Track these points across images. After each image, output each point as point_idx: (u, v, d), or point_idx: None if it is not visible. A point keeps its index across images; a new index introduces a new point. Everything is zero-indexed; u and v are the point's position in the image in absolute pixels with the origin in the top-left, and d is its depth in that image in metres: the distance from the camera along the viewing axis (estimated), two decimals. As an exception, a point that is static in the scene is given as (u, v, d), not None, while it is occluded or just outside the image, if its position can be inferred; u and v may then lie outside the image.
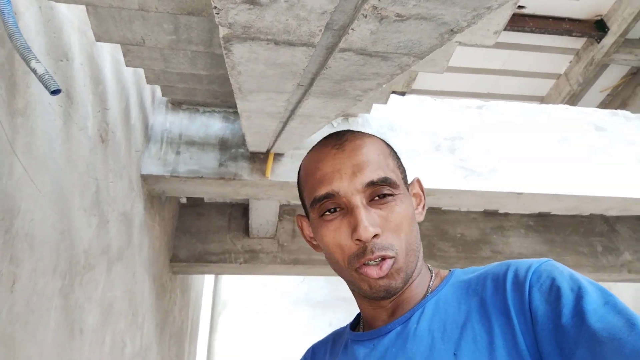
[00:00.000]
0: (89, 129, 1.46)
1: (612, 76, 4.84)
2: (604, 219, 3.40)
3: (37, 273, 1.14)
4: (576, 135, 2.47)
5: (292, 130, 1.09)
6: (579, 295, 0.54)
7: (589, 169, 2.37)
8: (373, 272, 0.63)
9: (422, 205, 0.75)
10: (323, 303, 5.55)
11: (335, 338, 0.81)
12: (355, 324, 0.80)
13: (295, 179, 2.16)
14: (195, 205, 3.19)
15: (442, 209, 3.43)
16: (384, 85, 0.62)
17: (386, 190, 0.67)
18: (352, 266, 0.65)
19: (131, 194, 2.01)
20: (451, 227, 3.43)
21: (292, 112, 0.81)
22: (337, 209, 0.67)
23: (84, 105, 1.41)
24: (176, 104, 2.31)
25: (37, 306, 1.15)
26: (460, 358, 0.57)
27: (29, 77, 1.05)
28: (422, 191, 0.76)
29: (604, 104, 5.10)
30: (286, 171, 2.14)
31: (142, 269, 2.31)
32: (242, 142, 2.19)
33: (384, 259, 0.64)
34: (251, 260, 2.95)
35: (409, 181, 0.76)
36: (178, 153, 2.21)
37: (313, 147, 0.73)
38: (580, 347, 0.50)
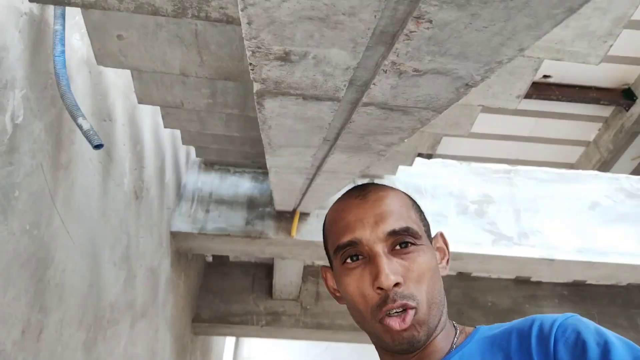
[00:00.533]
0: (125, 185, 1.53)
1: (643, 144, 4.78)
2: (644, 290, 3.23)
3: (63, 324, 1.16)
4: (608, 202, 2.42)
5: (318, 188, 1.11)
6: (605, 349, 0.53)
7: (623, 236, 2.29)
8: (395, 324, 0.63)
9: (446, 259, 0.75)
10: (347, 373, 5.32)
11: None
12: None
13: (321, 239, 2.17)
14: (220, 264, 3.20)
15: (472, 275, 3.34)
16: (406, 141, 0.65)
17: (408, 239, 0.67)
18: (375, 318, 0.65)
19: (159, 250, 2.05)
20: (481, 295, 3.32)
21: (318, 168, 0.84)
22: (360, 257, 0.68)
23: (122, 163, 1.49)
24: (209, 165, 2.40)
25: (61, 358, 1.16)
26: None
27: (74, 135, 1.13)
28: (447, 245, 0.76)
29: (636, 173, 5.00)
30: (311, 230, 2.15)
31: (165, 327, 2.30)
32: (269, 202, 2.23)
33: (405, 309, 0.63)
34: (273, 322, 2.89)
35: (433, 235, 0.77)
36: (207, 211, 2.26)
37: (338, 199, 0.75)
38: None
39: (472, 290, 3.33)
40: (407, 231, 0.67)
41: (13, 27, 0.87)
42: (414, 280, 0.65)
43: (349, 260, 0.68)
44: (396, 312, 0.63)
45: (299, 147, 0.67)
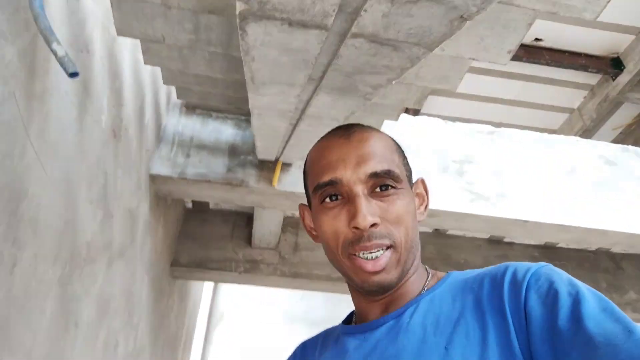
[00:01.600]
0: (102, 122, 1.48)
1: (626, 114, 4.84)
2: (610, 255, 3.36)
3: (38, 259, 1.15)
4: (586, 168, 2.46)
5: (301, 135, 1.09)
6: (576, 299, 0.54)
7: (597, 202, 2.35)
8: (368, 266, 0.63)
9: (424, 205, 0.75)
10: (321, 322, 5.48)
11: (326, 334, 0.81)
12: (348, 320, 0.80)
13: (302, 190, 2.17)
14: (200, 211, 3.20)
15: (447, 232, 3.41)
16: (393, 82, 0.63)
17: (389, 182, 0.67)
18: (345, 252, 0.65)
19: (138, 192, 2.02)
20: (455, 252, 3.40)
21: (302, 111, 0.82)
22: (339, 197, 0.67)
23: (99, 98, 1.44)
24: (190, 108, 2.35)
25: (35, 292, 1.15)
26: (451, 352, 0.57)
27: (49, 64, 1.08)
28: (426, 191, 0.77)
29: (616, 142, 5.08)
30: (293, 181, 2.15)
31: (142, 269, 2.31)
32: (252, 150, 2.21)
33: (380, 248, 0.63)
34: (252, 270, 2.94)
35: (414, 181, 0.77)
36: (188, 156, 2.23)
37: (322, 137, 0.74)
38: (574, 351, 0.50)
39: (446, 248, 3.41)
40: (388, 174, 0.67)
41: (-20, -61, 0.81)
42: (391, 221, 0.65)
43: (327, 200, 0.68)
44: (370, 253, 0.64)
45: (283, 85, 0.65)
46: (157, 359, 3.00)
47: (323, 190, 0.68)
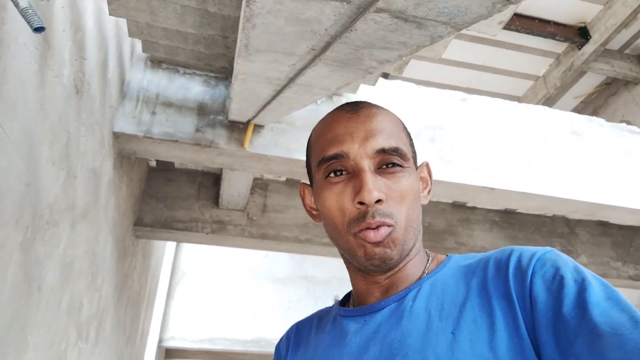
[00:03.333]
0: (64, 77, 1.38)
1: (588, 84, 4.97)
2: (566, 221, 3.51)
3: (-2, 224, 1.08)
4: (552, 138, 2.52)
5: (284, 101, 1.05)
6: (582, 286, 0.53)
7: (561, 171, 2.42)
8: (371, 234, 0.62)
9: (427, 189, 0.74)
10: (284, 279, 5.56)
11: (321, 315, 0.79)
12: (344, 302, 0.78)
13: (273, 153, 2.12)
14: (165, 169, 3.10)
15: (413, 197, 3.46)
16: (403, 59, 0.59)
17: (396, 159, 0.65)
18: (350, 230, 0.64)
19: (101, 151, 1.93)
20: (420, 216, 3.47)
21: (292, 79, 0.77)
22: (344, 173, 0.65)
23: (61, 51, 1.33)
24: (156, 62, 2.22)
25: (-4, 259, 1.09)
26: (458, 337, 0.56)
27: (5, 13, 0.97)
28: (430, 176, 0.75)
29: (577, 111, 5.24)
30: (265, 144, 2.10)
31: (106, 229, 2.24)
32: (222, 109, 2.13)
33: (383, 227, 0.62)
34: (218, 231, 2.90)
35: (419, 164, 0.75)
36: (154, 113, 2.12)
37: (328, 113, 0.71)
38: (579, 338, 0.50)
39: (412, 211, 3.47)
40: (396, 151, 0.65)
41: None
42: (395, 200, 0.64)
43: (332, 175, 0.66)
44: (373, 230, 0.62)
45: (280, 54, 0.60)
46: (120, 317, 2.97)
47: (328, 164, 0.66)
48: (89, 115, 1.69)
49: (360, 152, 0.64)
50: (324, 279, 5.27)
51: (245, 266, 5.72)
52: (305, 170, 0.76)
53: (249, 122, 1.98)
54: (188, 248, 5.98)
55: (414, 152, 0.72)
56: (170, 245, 5.61)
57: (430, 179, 0.75)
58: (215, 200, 2.96)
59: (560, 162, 2.44)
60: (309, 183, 0.76)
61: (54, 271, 1.53)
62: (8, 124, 1.05)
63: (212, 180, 3.06)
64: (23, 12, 0.67)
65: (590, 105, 5.16)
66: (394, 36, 0.49)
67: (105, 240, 2.25)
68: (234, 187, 2.71)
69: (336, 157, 0.65)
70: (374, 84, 1.81)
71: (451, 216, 3.52)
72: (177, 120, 2.11)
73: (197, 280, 5.76)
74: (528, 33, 4.21)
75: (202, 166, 3.04)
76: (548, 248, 0.61)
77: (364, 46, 0.52)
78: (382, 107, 0.70)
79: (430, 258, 0.72)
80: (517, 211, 3.48)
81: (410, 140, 0.73)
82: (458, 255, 0.71)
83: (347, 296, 0.79)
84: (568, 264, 0.57)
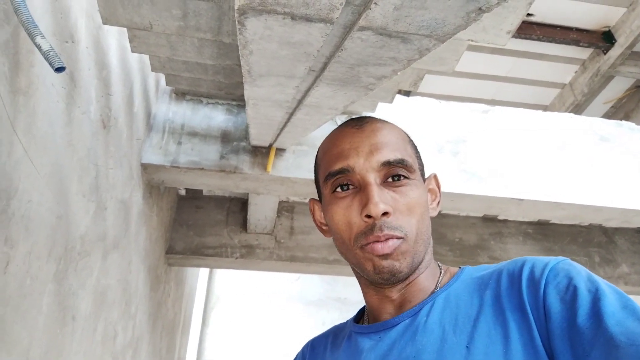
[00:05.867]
0: (91, 113, 1.45)
1: (617, 88, 4.84)
2: (603, 229, 3.39)
3: (32, 256, 1.12)
4: (580, 144, 2.46)
5: (297, 122, 1.07)
6: (596, 296, 0.52)
7: (591, 178, 2.35)
8: (378, 246, 0.62)
9: (437, 201, 0.74)
10: (317, 302, 5.53)
11: (336, 332, 0.79)
12: (359, 318, 0.78)
13: (296, 175, 2.15)
14: (194, 197, 3.17)
15: (441, 212, 3.42)
16: (398, 74, 0.61)
17: (401, 172, 0.66)
18: (357, 243, 0.64)
19: (130, 182, 1.99)
20: (449, 231, 3.42)
21: (300, 101, 0.79)
22: (350, 187, 0.66)
23: (87, 89, 1.40)
24: (180, 94, 2.30)
25: (30, 290, 1.13)
26: (473, 351, 0.56)
27: (33, 56, 1.04)
28: (439, 187, 0.75)
29: (607, 116, 5.09)
30: (287, 167, 2.12)
31: (138, 258, 2.30)
32: (245, 136, 2.18)
33: (392, 239, 0.62)
34: (247, 255, 2.93)
35: (427, 176, 0.75)
36: (179, 143, 2.19)
37: (333, 130, 0.73)
38: (595, 349, 0.49)
39: (441, 227, 3.42)
40: (401, 163, 0.65)
41: None
42: (403, 212, 0.64)
43: (339, 190, 0.67)
44: (381, 243, 0.62)
45: (281, 77, 0.62)
46: (156, 345, 3.01)
47: (335, 179, 0.67)
48: (117, 148, 1.75)
49: (365, 165, 0.65)
50: (357, 300, 5.22)
51: (278, 289, 5.72)
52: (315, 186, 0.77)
53: (270, 146, 2.02)
54: (221, 273, 6.04)
55: (421, 165, 0.72)
56: (204, 271, 5.69)
57: (439, 190, 0.75)
58: (244, 225, 3.00)
59: (590, 169, 2.37)
60: (318, 199, 0.77)
61: (87, 300, 1.57)
62: (38, 160, 1.11)
63: (239, 206, 3.11)
64: (45, 54, 0.72)
65: (622, 110, 5.02)
66: (383, 52, 0.50)
67: (137, 269, 2.30)
68: (261, 211, 2.74)
69: (342, 171, 0.66)
70: (391, 102, 1.82)
71: (482, 230, 3.45)
72: (202, 149, 2.17)
73: (232, 305, 5.80)
74: (550, 41, 4.15)
75: (229, 192, 3.10)
76: (561, 258, 0.60)
77: (358, 64, 0.54)
78: (386, 121, 0.71)
79: (442, 271, 0.71)
80: (550, 222, 3.39)
81: (417, 152, 0.73)
82: (470, 267, 0.70)
83: (361, 312, 0.79)
84: (581, 273, 0.56)
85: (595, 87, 4.50)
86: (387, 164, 0.65)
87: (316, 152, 0.75)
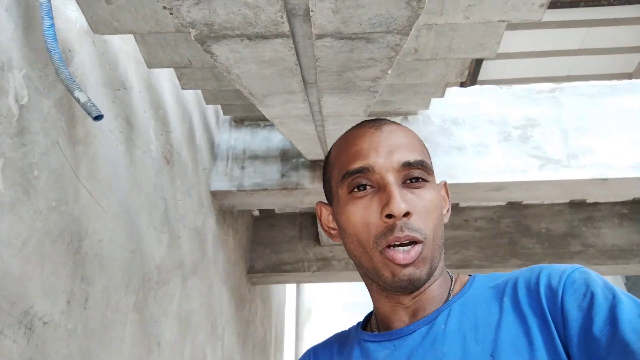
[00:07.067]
0: (152, 151, 1.55)
1: None
2: None
3: (109, 290, 1.22)
4: (668, 110, 2.22)
5: (333, 133, 1.07)
6: (613, 304, 0.51)
7: (686, 146, 2.11)
8: (399, 256, 0.60)
9: (447, 208, 0.72)
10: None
11: (340, 339, 0.77)
12: (365, 325, 0.76)
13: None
14: (267, 217, 3.27)
15: (523, 203, 3.22)
16: (389, 72, 0.59)
17: (420, 174, 0.64)
18: (377, 246, 0.61)
19: (201, 210, 2.10)
20: (534, 222, 3.21)
21: (320, 113, 0.80)
22: (368, 187, 0.64)
23: (145, 130, 1.50)
24: (239, 121, 2.40)
25: (112, 321, 1.23)
26: (498, 359, 0.54)
27: (88, 108, 1.14)
28: (448, 195, 0.73)
29: None
30: (347, 176, 2.13)
31: (219, 281, 2.40)
32: (301, 152, 2.21)
33: (413, 243, 0.60)
34: (324, 267, 2.96)
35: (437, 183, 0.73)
36: (243, 168, 2.28)
37: (347, 130, 0.71)
38: (611, 356, 0.48)
39: (524, 219, 3.23)
40: (421, 165, 0.64)
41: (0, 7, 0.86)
42: (422, 214, 0.62)
43: (356, 190, 0.65)
44: (402, 245, 0.60)
45: (284, 94, 0.63)
46: (249, 364, 3.11)
47: (353, 178, 0.65)
48: (184, 180, 1.86)
49: (385, 165, 0.63)
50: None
51: (362, 299, 5.70)
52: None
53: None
54: (309, 287, 6.14)
55: (433, 171, 0.71)
56: (291, 287, 5.81)
57: (449, 197, 0.73)
58: (316, 239, 3.04)
59: (683, 136, 2.13)
60: (325, 202, 0.75)
61: (171, 326, 1.67)
62: (105, 202, 1.20)
63: (310, 220, 3.15)
64: (83, 106, 0.79)
65: None
66: (357, 55, 0.49)
67: (219, 291, 2.41)
68: (331, 223, 2.76)
69: (361, 170, 0.64)
70: (442, 96, 1.77)
71: (571, 217, 3.21)
72: (264, 170, 2.24)
73: (324, 318, 5.87)
74: (622, 3, 3.81)
75: (299, 208, 3.16)
76: (577, 265, 0.59)
77: (342, 70, 0.53)
78: (401, 124, 0.70)
79: (453, 279, 0.68)
80: (649, 199, 3.07)
81: (430, 158, 0.71)
82: (482, 275, 0.67)
83: (366, 319, 0.76)
84: (597, 281, 0.55)
85: (685, 44, 4.04)
86: (408, 164, 0.63)
87: (327, 152, 0.74)
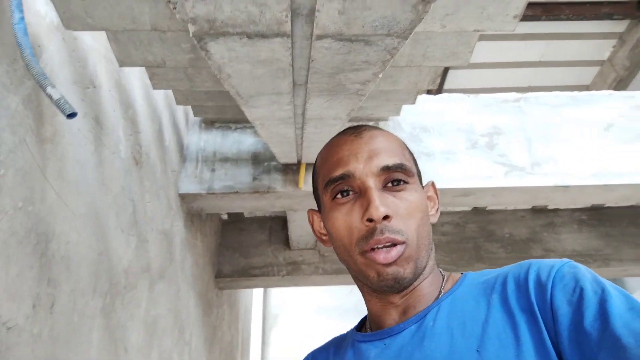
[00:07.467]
0: (121, 152, 1.51)
1: (663, 57, 4.56)
2: (665, 208, 3.18)
3: (76, 294, 1.18)
4: (623, 121, 2.33)
5: (311, 137, 1.07)
6: (602, 298, 0.52)
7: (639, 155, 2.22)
8: (380, 256, 0.61)
9: (436, 208, 0.74)
10: (373, 313, 5.47)
11: (337, 343, 0.79)
12: (360, 327, 0.77)
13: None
14: (236, 220, 3.23)
15: (487, 208, 3.31)
16: (380, 76, 0.60)
17: (400, 176, 0.66)
18: (359, 248, 0.64)
19: (170, 213, 2.06)
20: (498, 227, 3.31)
21: (303, 116, 0.80)
22: (351, 193, 0.66)
23: (114, 129, 1.46)
24: (209, 123, 2.36)
25: (79, 326, 1.18)
26: (484, 354, 0.55)
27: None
28: (437, 195, 0.76)
29: (657, 87, 4.81)
30: (319, 180, 2.13)
31: (186, 285, 2.36)
32: (274, 156, 2.20)
33: (393, 244, 0.62)
34: (294, 272, 2.95)
35: (424, 184, 0.75)
36: (213, 170, 2.24)
37: (331, 139, 0.73)
38: (602, 351, 0.48)
39: (488, 224, 3.32)
40: (400, 168, 0.66)
41: (-33, -3, 0.83)
42: (403, 216, 0.64)
43: (339, 196, 0.67)
44: (383, 246, 0.62)
45: (272, 95, 0.63)
46: (216, 370, 3.06)
47: (335, 186, 0.67)
48: (152, 182, 1.82)
49: (365, 170, 0.65)
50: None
51: (333, 303, 5.72)
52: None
53: (299, 162, 2.03)
54: (275, 291, 6.10)
55: (418, 171, 0.73)
56: (258, 292, 5.76)
57: (438, 197, 0.75)
58: (286, 243, 3.03)
59: (636, 146, 2.24)
60: (316, 209, 0.77)
61: (138, 331, 1.63)
62: (72, 202, 1.16)
63: (280, 224, 3.14)
64: (56, 103, 0.76)
65: (672, 79, 4.72)
66: (353, 57, 0.50)
67: (187, 296, 2.36)
68: (301, 227, 2.76)
69: (342, 177, 0.66)
70: (413, 102, 1.80)
71: (533, 223, 3.32)
72: (235, 173, 2.21)
73: (290, 322, 5.84)
74: (581, 19, 3.98)
75: (270, 212, 3.14)
76: (566, 260, 0.60)
77: (335, 72, 0.53)
78: (383, 129, 0.72)
79: (445, 277, 0.70)
80: (605, 206, 3.21)
81: (414, 159, 0.74)
82: (473, 273, 0.70)
83: (363, 321, 0.78)
84: (586, 275, 0.56)
85: (637, 59, 4.27)
86: (387, 168, 0.65)
87: (314, 162, 0.75)
